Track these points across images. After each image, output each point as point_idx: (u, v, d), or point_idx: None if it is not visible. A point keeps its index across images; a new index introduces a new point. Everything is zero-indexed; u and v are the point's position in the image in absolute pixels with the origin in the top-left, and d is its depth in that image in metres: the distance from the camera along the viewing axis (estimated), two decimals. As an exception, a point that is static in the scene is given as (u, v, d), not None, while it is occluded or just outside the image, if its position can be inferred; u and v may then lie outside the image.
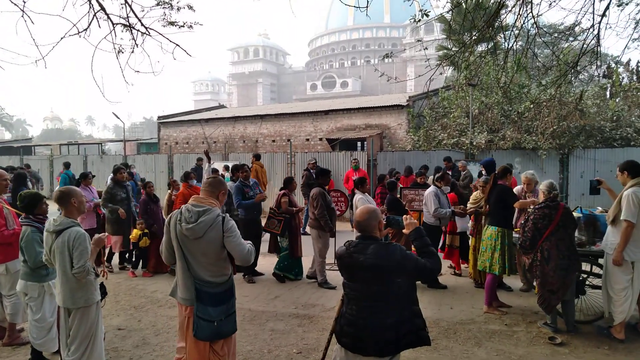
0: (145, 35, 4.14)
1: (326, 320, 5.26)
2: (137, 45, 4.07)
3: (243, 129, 19.61)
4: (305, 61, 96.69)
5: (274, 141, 18.65)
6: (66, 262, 3.41)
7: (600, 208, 5.93)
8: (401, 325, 2.71)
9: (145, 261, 7.60)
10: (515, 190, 6.38)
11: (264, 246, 7.54)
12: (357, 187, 6.82)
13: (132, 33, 4.06)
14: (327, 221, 6.63)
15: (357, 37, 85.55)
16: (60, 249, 3.41)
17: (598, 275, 5.22)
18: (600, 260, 5.08)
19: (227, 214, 3.28)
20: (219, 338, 3.18)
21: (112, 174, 7.69)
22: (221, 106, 30.39)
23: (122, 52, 4.37)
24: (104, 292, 3.75)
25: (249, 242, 3.36)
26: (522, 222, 5.28)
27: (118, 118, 21.54)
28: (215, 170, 8.82)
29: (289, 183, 7.24)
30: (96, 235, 3.63)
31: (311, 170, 11.37)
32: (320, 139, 17.35)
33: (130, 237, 7.34)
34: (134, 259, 7.73)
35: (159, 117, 22.99)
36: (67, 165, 12.67)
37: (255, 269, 7.32)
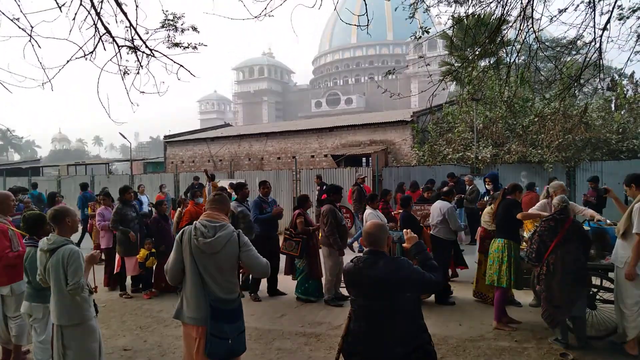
0: (150, 56, 4.21)
1: (333, 339, 5.19)
2: (142, 66, 4.13)
3: (249, 147, 19.72)
4: (309, 79, 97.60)
5: (279, 158, 18.73)
6: (61, 279, 3.40)
7: (609, 221, 5.87)
8: (410, 341, 2.72)
9: (151, 281, 7.56)
10: (540, 203, 6.26)
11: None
12: (368, 203, 6.80)
13: (137, 55, 4.13)
14: (336, 239, 6.53)
15: (361, 55, 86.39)
16: (55, 266, 3.41)
17: (609, 290, 5.13)
18: (611, 274, 5.00)
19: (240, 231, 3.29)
20: (232, 357, 3.15)
21: (119, 195, 7.71)
22: (227, 125, 30.67)
23: (128, 74, 4.44)
24: (95, 310, 3.72)
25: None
26: (531, 234, 5.24)
27: (125, 138, 21.76)
28: (222, 188, 8.81)
29: (304, 202, 7.05)
30: (91, 252, 3.65)
31: (361, 185, 11.31)
32: (325, 156, 17.40)
33: (138, 257, 7.32)
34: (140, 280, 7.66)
35: (165, 137, 23.22)
36: (83, 187, 12.59)
37: (277, 288, 7.25)
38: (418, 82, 64.81)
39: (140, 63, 4.16)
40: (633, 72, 19.79)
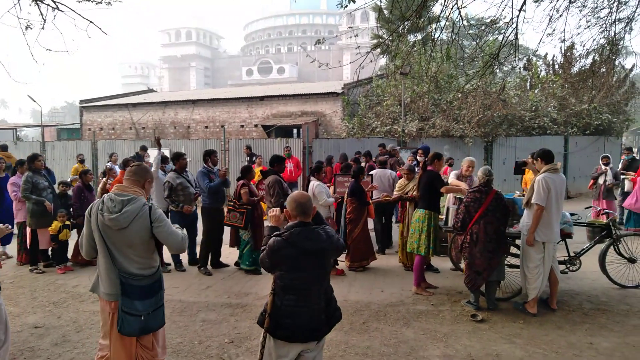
0: (56, 10, 3.79)
1: (259, 308, 5.20)
2: (45, 20, 3.71)
3: (174, 115, 18.86)
4: (240, 46, 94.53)
5: (207, 127, 18.12)
6: None
7: (518, 192, 6.34)
8: (329, 304, 2.83)
9: (65, 255, 7.08)
10: (453, 174, 6.96)
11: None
12: (313, 174, 6.74)
13: (39, 7, 3.69)
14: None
15: (294, 23, 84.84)
16: None
17: (516, 255, 5.58)
18: (518, 241, 5.43)
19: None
20: (146, 333, 3.05)
21: (27, 163, 7.00)
22: (150, 90, 29.02)
23: (31, 28, 3.99)
24: None
25: (177, 226, 3.24)
26: (457, 205, 5.55)
27: (34, 101, 19.85)
28: (165, 159, 8.32)
29: (247, 172, 6.90)
30: None
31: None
32: (256, 126, 17.09)
33: (49, 229, 6.80)
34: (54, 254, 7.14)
35: (82, 101, 21.49)
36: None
37: (220, 260, 7.12)
38: (350, 54, 65.11)
39: (43, 17, 3.73)
40: (546, 54, 21.25)
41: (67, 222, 6.93)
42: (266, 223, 2.74)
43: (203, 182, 6.76)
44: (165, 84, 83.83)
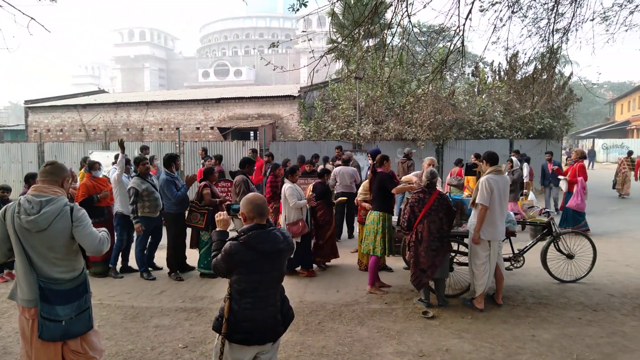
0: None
1: (215, 312, 5.15)
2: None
3: (127, 116, 18.26)
4: (196, 47, 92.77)
5: (161, 129, 17.67)
6: None
7: (466, 193, 6.61)
8: (283, 304, 2.86)
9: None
10: (413, 174, 7.34)
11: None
12: (287, 176, 6.72)
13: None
14: None
15: (251, 26, 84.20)
16: None
17: (464, 254, 5.82)
18: (466, 240, 5.66)
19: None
20: (68, 338, 2.93)
21: None
22: (102, 91, 27.93)
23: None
24: None
25: (104, 229, 3.14)
26: (403, 206, 5.71)
27: (-28, 101, 18.68)
28: (128, 161, 7.98)
29: (209, 174, 6.88)
30: None
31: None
32: (212, 128, 16.84)
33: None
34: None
35: (27, 102, 20.39)
36: None
37: (187, 262, 7.02)
38: (307, 58, 65.33)
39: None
40: (493, 61, 22.22)
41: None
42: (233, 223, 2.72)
43: (170, 191, 6.56)
44: (118, 84, 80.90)
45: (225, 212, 3.04)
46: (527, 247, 6.14)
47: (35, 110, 19.68)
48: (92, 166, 6.86)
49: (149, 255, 6.95)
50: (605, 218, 11.40)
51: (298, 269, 6.75)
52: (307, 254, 6.74)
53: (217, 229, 2.96)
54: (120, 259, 6.92)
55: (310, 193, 6.94)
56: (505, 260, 5.78)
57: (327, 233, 6.95)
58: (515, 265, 6.03)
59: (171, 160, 6.77)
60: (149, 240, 6.84)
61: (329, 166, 9.42)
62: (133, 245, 6.91)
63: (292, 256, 6.41)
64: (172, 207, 6.64)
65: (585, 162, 9.21)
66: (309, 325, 4.87)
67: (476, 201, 5.10)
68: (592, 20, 6.23)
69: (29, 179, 6.46)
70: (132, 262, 6.97)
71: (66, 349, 2.95)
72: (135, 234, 6.71)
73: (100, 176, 6.96)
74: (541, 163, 12.04)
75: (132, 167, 7.69)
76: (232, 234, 2.82)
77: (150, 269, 6.88)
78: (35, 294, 2.83)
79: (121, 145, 7.03)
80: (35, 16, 3.46)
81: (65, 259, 2.92)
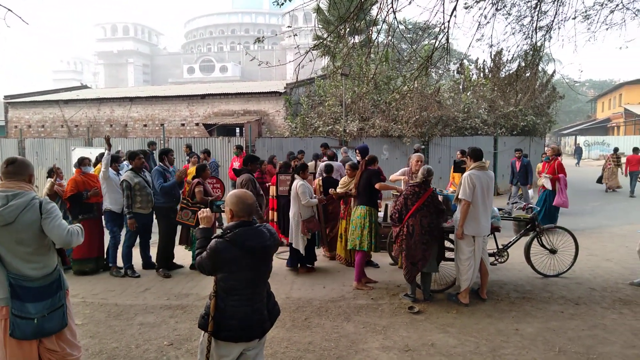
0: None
1: (200, 309, 5.11)
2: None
3: (110, 112, 18.02)
4: (181, 43, 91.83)
5: (145, 125, 17.47)
6: None
7: (451, 189, 6.67)
8: (269, 299, 2.86)
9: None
10: (402, 171, 7.27)
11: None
12: (298, 173, 6.65)
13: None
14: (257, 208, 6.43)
15: (237, 22, 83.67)
16: None
17: (450, 249, 5.87)
18: (452, 236, 5.71)
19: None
20: (41, 336, 2.88)
21: None
22: (84, 86, 27.52)
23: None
24: None
25: (79, 225, 3.10)
26: (395, 198, 5.75)
27: (-51, 96, 18.25)
28: (117, 158, 7.86)
29: (201, 171, 6.75)
30: None
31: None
32: (197, 124, 16.71)
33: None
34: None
35: (6, 97, 19.98)
36: None
37: (174, 261, 6.94)
38: (293, 54, 64.98)
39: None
40: (477, 58, 22.41)
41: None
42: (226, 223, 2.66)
43: (156, 181, 6.54)
44: (101, 80, 79.75)
45: (208, 209, 3.00)
46: (511, 242, 6.22)
47: (15, 106, 19.30)
48: (81, 162, 6.78)
49: (145, 255, 6.92)
50: (587, 213, 11.62)
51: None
52: (313, 251, 6.81)
53: (201, 226, 2.92)
54: (105, 255, 6.83)
55: (320, 188, 7.11)
56: (490, 255, 5.85)
57: (336, 225, 7.09)
58: (499, 260, 6.11)
59: (163, 154, 6.87)
60: (141, 239, 6.79)
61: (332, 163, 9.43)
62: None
63: (302, 253, 6.44)
64: (160, 199, 6.60)
65: (560, 159, 9.34)
66: (295, 321, 4.87)
67: (459, 196, 5.15)
68: (574, 18, 6.32)
69: None
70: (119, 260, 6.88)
71: (42, 347, 2.91)
72: (123, 231, 6.66)
73: (91, 172, 6.89)
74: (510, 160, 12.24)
75: (126, 164, 7.59)
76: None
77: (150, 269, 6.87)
78: (6, 291, 2.78)
79: (107, 141, 6.94)
80: (12, 7, 3.36)
81: (36, 254, 2.88)
